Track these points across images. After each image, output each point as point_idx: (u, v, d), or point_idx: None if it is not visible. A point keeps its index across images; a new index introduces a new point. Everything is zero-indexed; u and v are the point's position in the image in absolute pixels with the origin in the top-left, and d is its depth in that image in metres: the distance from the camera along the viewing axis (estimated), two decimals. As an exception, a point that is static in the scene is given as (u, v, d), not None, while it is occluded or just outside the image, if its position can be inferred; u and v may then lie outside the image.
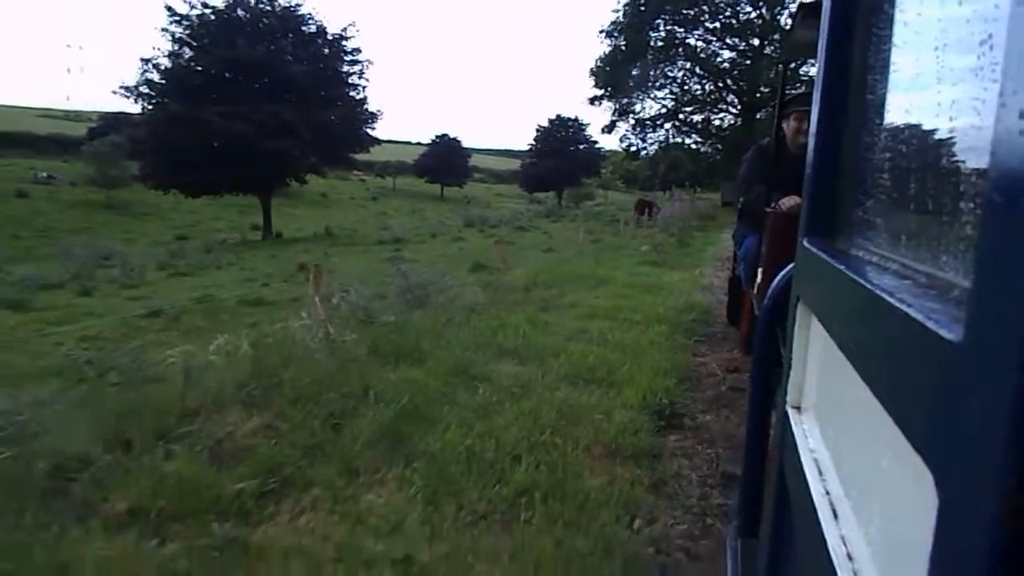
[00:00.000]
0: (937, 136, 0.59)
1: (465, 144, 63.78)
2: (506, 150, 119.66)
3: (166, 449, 2.72)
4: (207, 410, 3.13)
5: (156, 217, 43.03)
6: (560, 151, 51.97)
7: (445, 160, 59.89)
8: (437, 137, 62.13)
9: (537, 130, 54.79)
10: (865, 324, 0.62)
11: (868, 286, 0.59)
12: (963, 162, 0.50)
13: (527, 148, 58.82)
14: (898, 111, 0.76)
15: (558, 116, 54.22)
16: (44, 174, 49.20)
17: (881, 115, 0.81)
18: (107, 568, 1.99)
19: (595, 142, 54.93)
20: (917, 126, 0.68)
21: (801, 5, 3.52)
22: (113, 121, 53.60)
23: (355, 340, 4.52)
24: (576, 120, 53.66)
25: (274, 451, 2.80)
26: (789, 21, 23.97)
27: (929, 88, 0.60)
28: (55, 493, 2.55)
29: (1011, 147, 0.32)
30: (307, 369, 3.56)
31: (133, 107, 28.51)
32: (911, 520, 0.46)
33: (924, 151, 0.65)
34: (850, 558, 0.63)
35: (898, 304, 0.49)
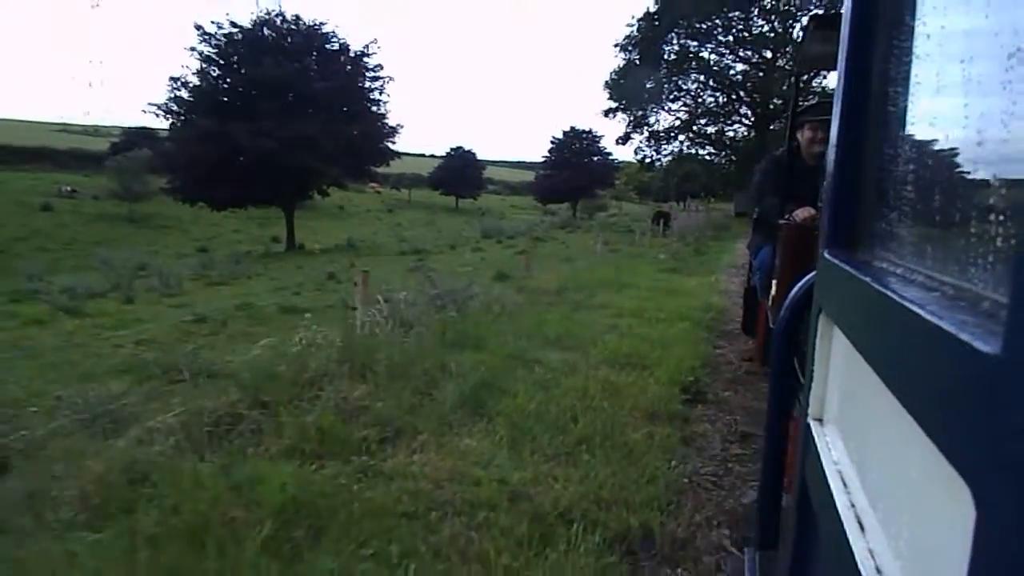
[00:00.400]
0: (963, 147, 0.59)
1: (478, 156, 64.92)
2: (518, 162, 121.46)
3: (303, 407, 3.51)
4: (321, 381, 3.91)
5: (176, 230, 44.20)
6: (575, 163, 52.92)
7: (460, 172, 60.96)
8: (452, 150, 63.32)
9: (552, 142, 55.87)
10: (894, 336, 0.62)
11: (896, 298, 0.59)
12: (993, 173, 0.50)
13: (541, 160, 59.77)
14: (921, 122, 0.76)
15: (572, 128, 55.29)
16: (68, 188, 50.70)
17: (903, 126, 0.82)
18: (293, 478, 2.76)
19: (609, 153, 55.88)
20: (941, 137, 0.68)
21: (812, 17, 3.64)
22: (135, 136, 55.38)
23: (419, 332, 5.29)
24: (590, 132, 54.70)
25: (384, 410, 3.57)
26: (801, 34, 24.64)
27: (954, 99, 0.60)
28: (220, 438, 3.33)
29: None
30: (394, 351, 4.34)
31: (154, 122, 29.78)
32: (945, 532, 0.46)
33: (950, 162, 0.64)
34: (879, 571, 0.63)
35: (929, 316, 0.49)
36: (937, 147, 0.69)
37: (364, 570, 2.25)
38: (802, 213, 3.67)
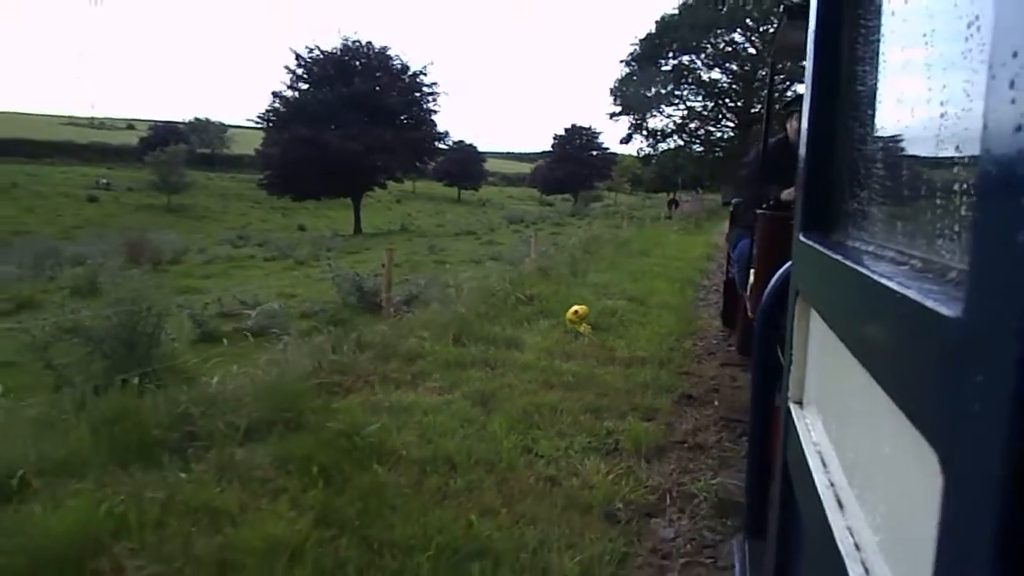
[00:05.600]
0: (928, 122, 0.61)
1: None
2: (508, 152, 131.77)
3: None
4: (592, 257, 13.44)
5: (211, 219, 52.49)
6: (577, 157, 62.79)
7: (463, 165, 70.26)
8: (455, 143, 72.50)
9: (554, 138, 65.71)
10: (864, 311, 0.67)
11: (866, 273, 0.63)
12: (955, 146, 0.53)
13: (538, 152, 69.47)
14: (889, 101, 0.82)
15: (573, 125, 65.26)
16: (104, 181, 58.75)
17: (873, 106, 0.88)
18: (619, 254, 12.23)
19: (606, 148, 65.93)
20: (908, 114, 0.72)
21: (785, 8, 3.81)
22: (164, 131, 63.77)
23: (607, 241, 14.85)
24: (590, 128, 64.73)
25: (629, 247, 13.10)
26: (775, 25, 33.79)
27: (919, 75, 0.64)
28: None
29: (1003, 117, 0.34)
30: (608, 240, 13.87)
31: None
32: (917, 502, 0.49)
33: (915, 138, 0.69)
34: (857, 548, 0.67)
35: (896, 287, 0.52)
36: (904, 125, 0.73)
37: (637, 267, 11.80)
38: (788, 194, 3.88)
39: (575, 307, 6.68)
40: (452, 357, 5.35)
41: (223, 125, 75.04)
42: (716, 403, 4.79)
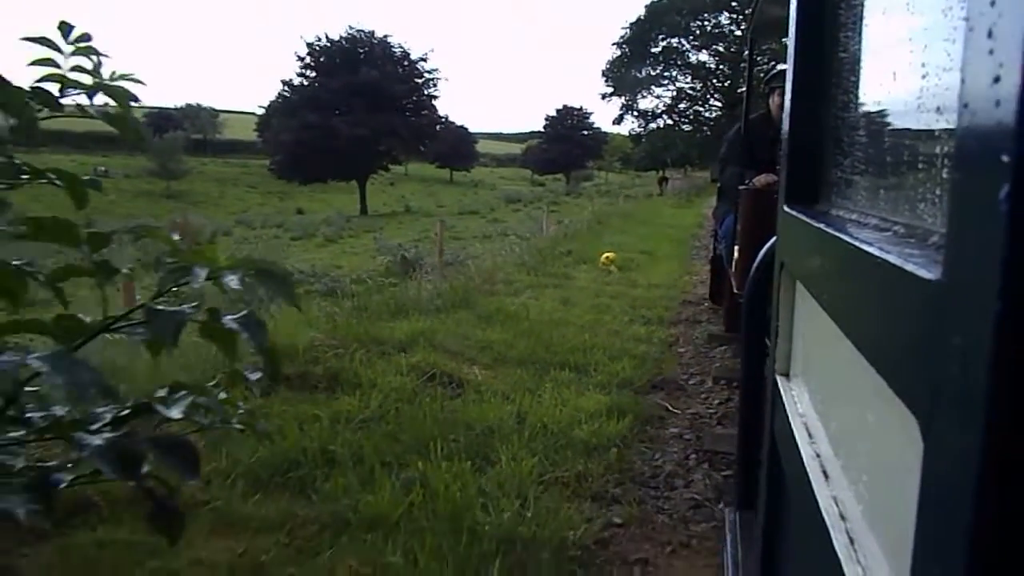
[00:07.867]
0: (910, 89, 0.62)
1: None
2: (498, 133, 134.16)
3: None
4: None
5: (210, 204, 54.71)
6: (570, 137, 65.56)
7: (455, 147, 72.71)
8: (447, 124, 75.03)
9: (546, 118, 68.33)
10: (847, 279, 0.68)
11: (848, 240, 0.64)
12: (936, 109, 0.53)
13: (532, 132, 72.05)
14: (872, 69, 0.83)
15: (565, 106, 67.97)
16: (102, 168, 60.59)
17: (856, 74, 0.90)
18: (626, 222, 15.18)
19: (597, 128, 68.70)
20: (890, 82, 0.72)
21: None
22: (158, 119, 65.76)
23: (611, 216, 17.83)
24: (581, 109, 67.40)
25: (635, 215, 16.08)
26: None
27: (901, 42, 0.65)
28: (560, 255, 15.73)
29: (980, 69, 0.33)
30: (616, 212, 16.82)
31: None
32: (899, 470, 0.50)
33: (898, 105, 0.70)
34: (843, 517, 0.68)
35: (877, 252, 0.53)
36: (887, 92, 0.74)
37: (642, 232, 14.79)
38: (762, 179, 4.06)
39: (607, 253, 9.62)
40: (532, 282, 8.30)
41: (215, 111, 77.07)
42: (705, 304, 7.76)
